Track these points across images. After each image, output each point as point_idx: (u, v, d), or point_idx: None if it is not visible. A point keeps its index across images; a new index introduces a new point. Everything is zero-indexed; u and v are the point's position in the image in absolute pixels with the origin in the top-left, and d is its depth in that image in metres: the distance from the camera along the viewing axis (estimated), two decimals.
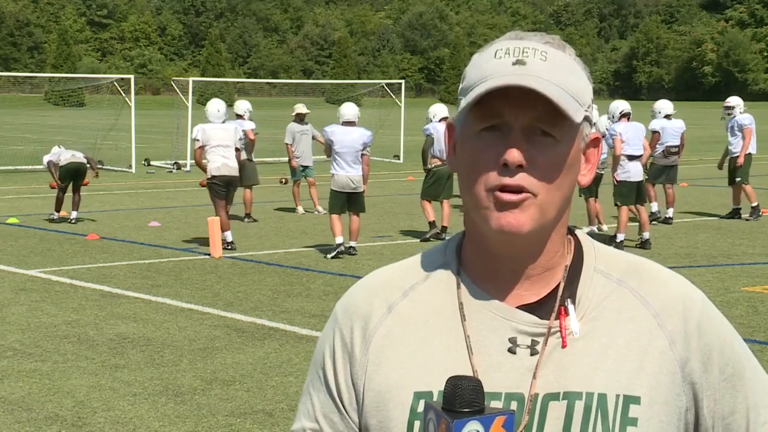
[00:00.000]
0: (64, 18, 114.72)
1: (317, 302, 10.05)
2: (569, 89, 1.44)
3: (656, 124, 16.39)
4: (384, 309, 1.55)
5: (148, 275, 11.66)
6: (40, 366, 7.85)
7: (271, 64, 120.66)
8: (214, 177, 13.35)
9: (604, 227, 15.30)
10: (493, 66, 1.45)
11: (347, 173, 12.90)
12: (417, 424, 1.46)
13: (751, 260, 12.74)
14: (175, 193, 21.26)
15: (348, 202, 13.07)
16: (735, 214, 16.92)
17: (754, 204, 16.73)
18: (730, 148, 16.91)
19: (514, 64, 1.44)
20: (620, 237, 13.63)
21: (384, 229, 15.67)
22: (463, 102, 1.46)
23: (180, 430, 6.42)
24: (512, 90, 1.41)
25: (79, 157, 16.03)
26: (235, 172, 13.52)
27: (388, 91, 35.41)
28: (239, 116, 16.86)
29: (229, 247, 13.39)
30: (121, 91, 29.61)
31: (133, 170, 26.25)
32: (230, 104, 17.91)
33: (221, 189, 13.41)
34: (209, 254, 12.96)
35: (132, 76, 29.41)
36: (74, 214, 16.05)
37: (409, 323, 1.53)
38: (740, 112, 16.81)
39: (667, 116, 16.50)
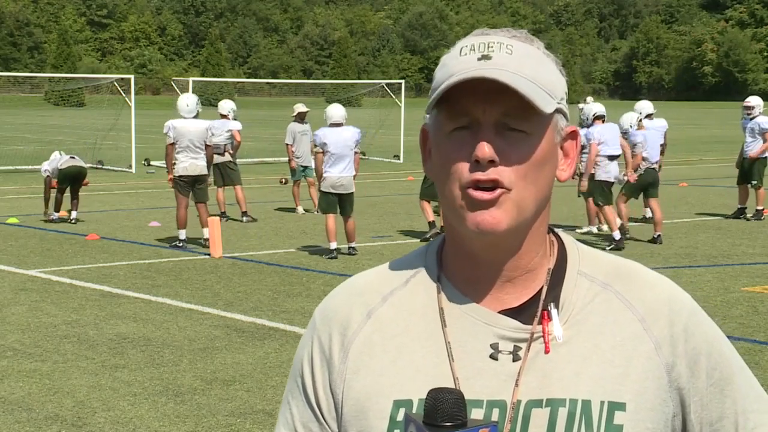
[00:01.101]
0: (64, 18, 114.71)
1: (317, 302, 9.99)
2: (537, 81, 1.41)
3: None
4: (363, 315, 1.52)
5: (148, 275, 11.66)
6: (40, 366, 7.85)
7: (271, 64, 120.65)
8: (180, 177, 13.63)
9: (604, 227, 15.30)
10: (458, 63, 1.42)
11: (338, 174, 12.81)
12: None
13: (751, 260, 12.74)
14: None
15: (339, 204, 12.98)
16: (740, 213, 16.93)
17: (760, 207, 16.73)
18: (745, 148, 16.87)
19: (479, 59, 1.41)
20: (617, 235, 13.71)
21: (384, 229, 15.67)
22: (429, 101, 1.43)
23: (180, 430, 6.42)
24: (479, 86, 1.38)
25: (79, 160, 16.10)
26: (203, 170, 13.76)
27: (388, 91, 35.41)
28: (223, 116, 16.78)
29: (181, 245, 13.59)
30: (121, 91, 29.62)
31: (133, 170, 26.25)
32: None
33: (186, 186, 13.69)
34: (209, 254, 12.96)
35: (132, 76, 29.41)
36: (74, 214, 16.08)
37: (388, 329, 1.49)
38: (760, 113, 16.76)
39: (649, 116, 16.58)
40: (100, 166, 27.12)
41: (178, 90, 31.05)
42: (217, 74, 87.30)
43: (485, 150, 1.38)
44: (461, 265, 1.49)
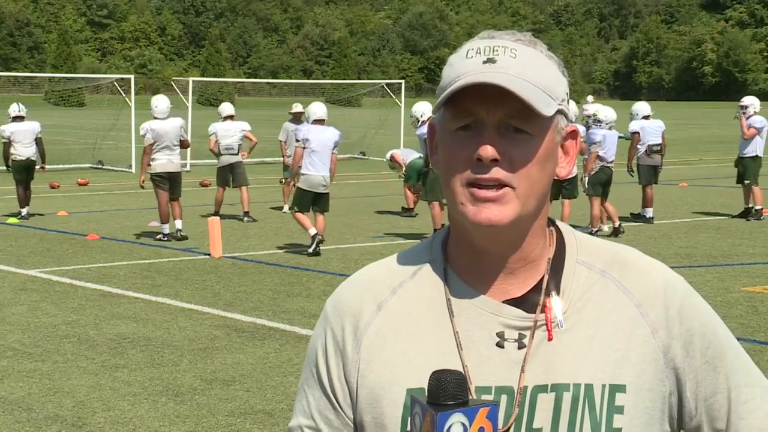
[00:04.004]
0: (64, 18, 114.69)
1: (317, 302, 10.04)
2: (539, 84, 1.47)
3: (635, 125, 16.56)
4: (374, 307, 1.58)
5: (148, 275, 11.66)
6: (40, 366, 7.85)
7: (271, 64, 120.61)
8: (158, 174, 14.20)
9: (605, 227, 15.31)
10: (465, 65, 1.49)
11: (321, 173, 12.94)
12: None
13: (751, 260, 12.74)
14: None
15: (314, 201, 13.12)
16: (747, 213, 16.89)
17: (758, 207, 16.73)
18: (740, 148, 16.95)
19: (484, 62, 1.48)
20: (597, 226, 14.74)
21: (384, 229, 15.66)
22: (437, 102, 1.50)
23: (180, 430, 6.42)
24: (484, 88, 1.44)
25: (32, 152, 16.57)
26: (178, 168, 14.46)
27: (388, 91, 35.40)
28: (228, 117, 17.14)
29: (166, 239, 14.19)
30: (121, 91, 29.62)
31: (133, 170, 26.23)
32: (231, 104, 17.97)
33: (164, 182, 14.24)
34: (209, 254, 12.96)
35: (132, 76, 29.42)
36: (24, 210, 16.52)
37: (398, 321, 1.56)
38: (754, 112, 16.78)
39: (645, 117, 16.66)
40: (100, 166, 27.13)
41: (178, 90, 31.06)
42: (217, 74, 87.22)
43: (488, 150, 1.45)
44: (465, 257, 1.56)
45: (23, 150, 16.53)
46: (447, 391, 1.37)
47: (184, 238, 14.19)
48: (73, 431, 6.39)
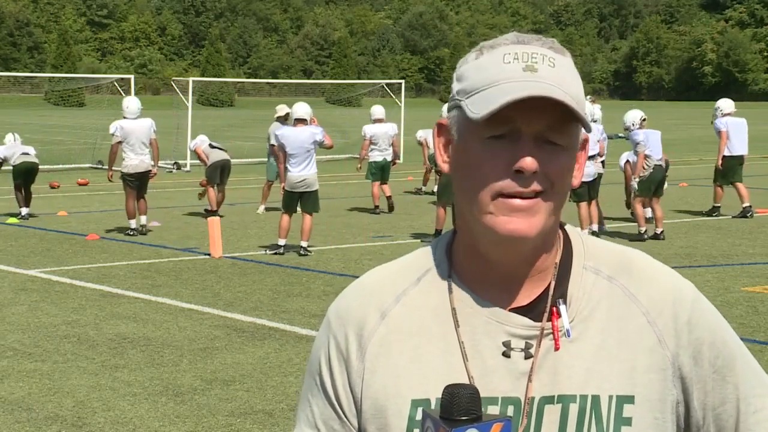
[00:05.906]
0: (64, 18, 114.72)
1: (317, 302, 10.04)
2: (576, 96, 1.43)
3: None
4: (377, 315, 1.54)
5: (148, 275, 11.66)
6: (40, 366, 7.85)
7: (271, 64, 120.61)
8: (130, 175, 14.69)
9: (605, 228, 15.31)
10: (503, 71, 1.44)
11: (298, 173, 12.95)
12: None
13: (751, 260, 12.73)
14: (175, 193, 21.23)
15: (300, 201, 13.13)
16: (746, 212, 16.93)
17: (717, 204, 17.10)
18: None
19: (524, 70, 1.43)
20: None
21: (384, 229, 15.66)
22: (473, 107, 1.43)
23: (180, 430, 6.42)
24: (526, 98, 1.40)
25: (32, 155, 16.78)
26: (149, 167, 14.88)
27: (388, 91, 35.41)
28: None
29: (132, 233, 14.69)
30: (121, 91, 29.60)
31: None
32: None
33: (134, 183, 14.76)
34: (209, 254, 12.96)
35: (132, 76, 29.43)
36: (24, 211, 16.58)
37: (403, 330, 1.52)
38: (721, 115, 17.05)
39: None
40: (100, 166, 27.12)
41: (178, 90, 31.07)
42: (217, 74, 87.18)
43: (530, 163, 1.41)
44: (473, 264, 1.52)
45: (23, 156, 16.74)
46: (461, 406, 1.34)
47: (148, 231, 14.85)
48: (73, 431, 6.39)
